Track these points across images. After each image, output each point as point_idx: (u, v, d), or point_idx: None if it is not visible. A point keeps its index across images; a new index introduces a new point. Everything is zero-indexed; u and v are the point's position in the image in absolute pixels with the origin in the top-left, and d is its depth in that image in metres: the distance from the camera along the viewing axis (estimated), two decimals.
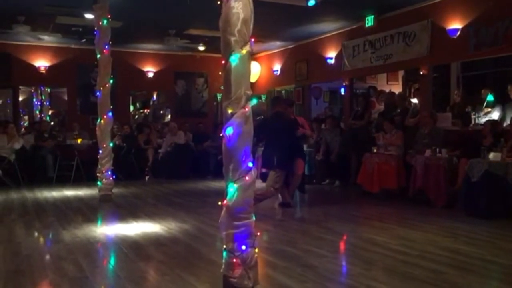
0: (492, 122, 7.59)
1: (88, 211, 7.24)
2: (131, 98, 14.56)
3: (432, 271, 4.07)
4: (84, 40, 11.32)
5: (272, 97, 8.24)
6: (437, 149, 7.43)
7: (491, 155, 6.47)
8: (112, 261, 4.73)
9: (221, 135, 3.32)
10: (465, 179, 6.62)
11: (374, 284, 3.74)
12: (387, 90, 11.52)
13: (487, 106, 8.79)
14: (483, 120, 8.37)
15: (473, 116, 8.82)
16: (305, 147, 9.53)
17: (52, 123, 13.87)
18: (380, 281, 3.83)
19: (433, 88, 9.31)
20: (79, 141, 11.12)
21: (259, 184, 7.13)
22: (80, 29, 10.49)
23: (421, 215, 6.70)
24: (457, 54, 8.59)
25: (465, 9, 8.21)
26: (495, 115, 8.48)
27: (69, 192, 9.18)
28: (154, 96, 15.77)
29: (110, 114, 8.02)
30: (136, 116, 15.90)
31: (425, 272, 4.02)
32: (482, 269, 4.21)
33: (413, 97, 10.54)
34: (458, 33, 8.28)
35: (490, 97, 8.83)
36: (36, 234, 5.80)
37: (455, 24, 8.30)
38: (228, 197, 3.29)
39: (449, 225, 6.05)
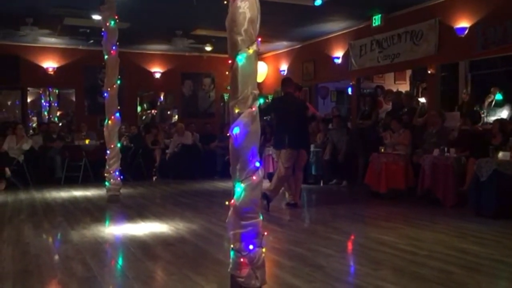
0: (500, 121, 7.53)
1: (96, 212, 7.27)
2: (138, 98, 14.61)
3: (441, 271, 4.04)
4: (92, 41, 11.37)
5: (283, 78, 8.15)
6: (445, 149, 7.40)
7: (500, 155, 6.42)
8: (120, 261, 4.75)
9: (228, 135, 3.32)
10: (474, 178, 6.58)
11: (382, 284, 3.72)
12: (394, 90, 11.49)
13: (496, 105, 8.74)
14: (492, 118, 8.31)
15: (482, 115, 8.77)
16: (312, 146, 9.54)
17: (60, 124, 13.95)
18: (388, 281, 3.81)
19: (441, 87, 9.27)
20: (87, 141, 11.17)
21: (266, 184, 7.13)
22: (88, 30, 10.55)
23: (430, 215, 6.66)
24: (465, 53, 8.55)
25: (473, 8, 8.17)
26: (504, 113, 8.43)
27: (77, 193, 9.22)
28: (161, 97, 15.80)
29: (117, 115, 8.04)
30: (144, 117, 15.94)
31: (433, 272, 4.00)
32: (491, 269, 4.18)
33: (421, 97, 10.50)
34: (466, 32, 8.23)
35: (499, 96, 8.78)
36: (44, 234, 5.83)
37: (463, 23, 8.25)
38: (235, 197, 3.29)
39: (457, 224, 6.01)
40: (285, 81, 7.72)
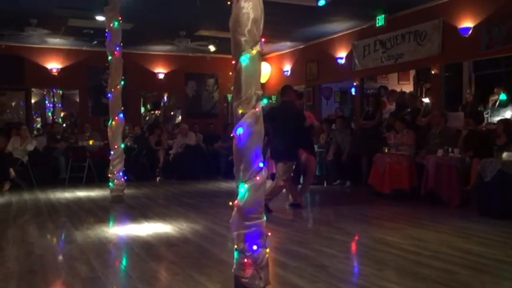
0: (505, 121, 7.50)
1: (100, 212, 7.29)
2: (142, 99, 14.66)
3: (445, 271, 4.04)
4: (96, 42, 11.40)
5: (283, 86, 7.99)
6: (449, 149, 7.38)
7: (504, 155, 6.40)
8: (123, 261, 4.76)
9: (231, 135, 3.33)
10: (478, 179, 6.56)
11: (386, 284, 3.72)
12: (398, 90, 11.47)
13: (500, 105, 8.71)
14: (495, 118, 8.29)
15: (485, 115, 8.74)
16: (316, 147, 9.53)
17: (64, 124, 14.00)
18: (392, 281, 3.80)
19: (445, 87, 9.24)
20: (91, 142, 11.19)
21: (269, 184, 7.13)
22: (92, 31, 10.58)
23: (433, 215, 6.65)
24: (469, 53, 8.52)
25: (477, 7, 8.14)
26: (508, 114, 8.40)
27: (81, 193, 9.24)
28: (165, 97, 15.83)
29: (121, 115, 8.05)
30: (147, 118, 15.98)
31: (437, 272, 3.99)
32: (495, 269, 4.17)
33: (425, 97, 10.47)
34: (470, 32, 8.21)
35: (503, 96, 8.75)
36: (48, 234, 5.84)
37: (467, 23, 8.23)
38: (239, 197, 3.29)
39: (461, 225, 6.00)
40: (285, 89, 7.49)
